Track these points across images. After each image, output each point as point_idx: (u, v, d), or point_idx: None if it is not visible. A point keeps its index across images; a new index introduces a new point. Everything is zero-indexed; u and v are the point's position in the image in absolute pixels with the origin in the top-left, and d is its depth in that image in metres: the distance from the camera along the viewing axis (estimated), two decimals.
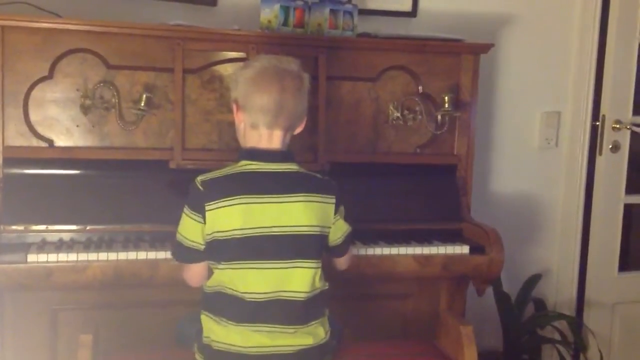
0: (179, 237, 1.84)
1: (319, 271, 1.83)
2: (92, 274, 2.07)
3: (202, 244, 1.81)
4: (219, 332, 1.78)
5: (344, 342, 2.01)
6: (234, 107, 1.87)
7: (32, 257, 2.03)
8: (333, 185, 1.88)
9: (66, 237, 2.18)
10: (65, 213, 2.19)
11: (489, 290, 2.77)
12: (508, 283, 3.02)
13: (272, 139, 1.82)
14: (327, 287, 1.87)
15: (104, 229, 2.21)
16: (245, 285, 1.76)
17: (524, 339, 2.99)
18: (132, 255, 2.10)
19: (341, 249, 1.95)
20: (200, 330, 1.85)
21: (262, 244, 1.76)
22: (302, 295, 1.79)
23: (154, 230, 2.23)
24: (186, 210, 1.80)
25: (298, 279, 1.79)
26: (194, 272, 1.88)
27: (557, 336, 3.02)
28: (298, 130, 1.88)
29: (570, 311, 3.15)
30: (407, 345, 2.20)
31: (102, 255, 2.08)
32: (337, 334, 1.95)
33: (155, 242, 2.19)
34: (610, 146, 3.08)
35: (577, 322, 3.07)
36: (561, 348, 2.97)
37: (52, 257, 2.04)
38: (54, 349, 2.25)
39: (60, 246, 2.11)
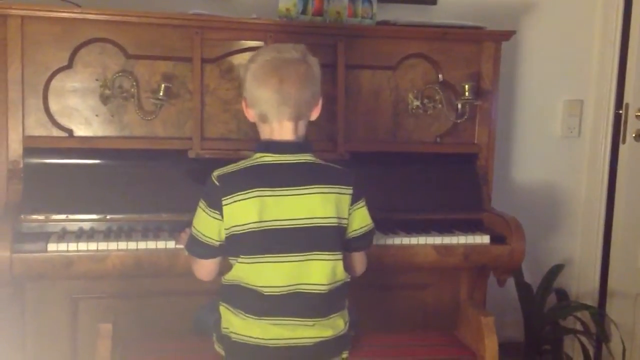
0: (194, 231, 1.83)
1: (340, 263, 1.81)
2: (112, 264, 2.07)
3: (217, 241, 1.80)
4: (237, 324, 1.78)
5: (361, 332, 2.00)
6: (244, 104, 1.86)
7: (52, 247, 2.04)
8: (350, 175, 1.84)
9: (86, 226, 2.19)
10: (85, 202, 2.20)
11: (510, 281, 2.76)
12: (529, 273, 3.00)
13: (283, 130, 1.80)
14: (348, 279, 1.86)
15: (123, 219, 2.22)
16: (262, 280, 1.75)
17: (545, 330, 2.97)
18: (151, 244, 2.10)
19: (358, 242, 1.90)
20: (218, 319, 1.86)
21: (278, 237, 1.75)
22: (323, 288, 1.78)
23: (173, 220, 2.23)
24: (203, 205, 1.79)
25: (316, 271, 1.77)
26: (204, 268, 1.87)
27: (579, 327, 3.00)
28: (313, 116, 1.85)
29: (592, 302, 3.12)
30: (427, 335, 2.19)
31: (122, 245, 2.08)
32: (354, 324, 1.94)
33: (175, 232, 2.18)
34: (634, 135, 3.03)
35: (599, 313, 3.04)
36: (583, 339, 2.94)
37: (72, 246, 2.05)
38: (74, 338, 2.27)
39: (81, 235, 2.12)
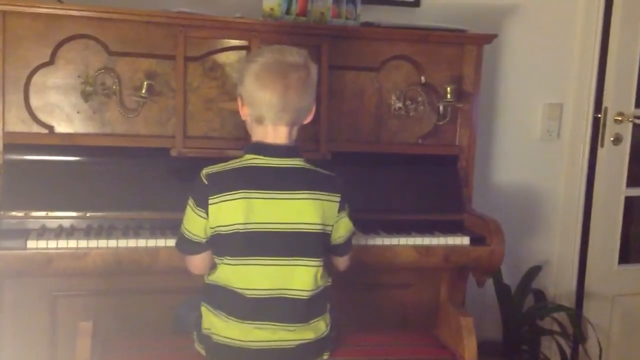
0: (182, 229, 1.84)
1: (321, 269, 1.82)
2: (92, 261, 2.06)
3: (203, 238, 1.80)
4: (219, 325, 1.78)
5: (342, 332, 2.01)
6: (239, 101, 1.85)
7: (31, 244, 2.03)
8: (339, 182, 1.85)
9: (66, 223, 2.18)
10: (66, 200, 2.18)
11: (489, 281, 2.77)
12: (508, 274, 3.02)
13: (277, 134, 1.80)
14: (329, 283, 1.87)
15: (104, 216, 2.21)
16: (245, 282, 1.75)
17: (523, 330, 3.00)
18: (132, 242, 2.10)
19: (343, 248, 1.93)
20: (199, 317, 1.85)
21: (264, 240, 1.75)
22: (305, 293, 1.78)
23: (154, 218, 2.23)
24: (191, 204, 1.79)
25: (300, 277, 1.77)
26: (196, 263, 1.89)
27: (556, 328, 3.03)
28: (307, 120, 1.86)
29: (569, 303, 3.15)
30: (407, 335, 2.20)
31: (102, 243, 2.08)
32: (335, 324, 1.94)
33: (156, 230, 2.18)
34: (612, 138, 3.07)
35: (576, 314, 3.07)
36: (560, 339, 2.97)
37: (52, 243, 2.04)
38: (54, 335, 2.25)
39: (60, 233, 2.11)
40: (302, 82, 1.77)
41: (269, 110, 1.76)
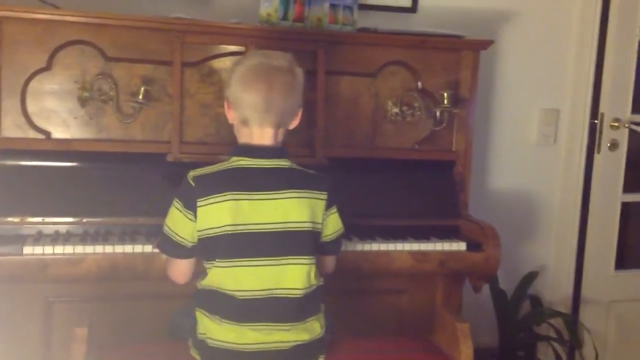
0: (167, 230, 1.83)
1: (314, 267, 1.82)
2: (88, 267, 2.06)
3: (189, 242, 1.80)
4: (213, 329, 1.78)
5: (337, 337, 2.01)
6: (226, 104, 1.87)
7: (27, 249, 2.03)
8: (326, 180, 1.87)
9: (62, 229, 2.18)
10: (62, 205, 2.18)
11: (485, 287, 2.77)
12: (504, 280, 3.02)
13: (263, 135, 1.81)
14: (322, 283, 1.87)
15: (100, 222, 2.21)
16: (236, 284, 1.75)
17: (519, 336, 3.00)
18: (128, 248, 2.10)
19: (331, 247, 1.94)
20: (194, 324, 1.85)
21: (253, 241, 1.76)
22: (298, 292, 1.79)
23: (150, 224, 2.22)
24: (178, 205, 1.79)
25: (292, 276, 1.78)
26: (179, 268, 1.87)
27: (552, 333, 3.02)
28: (293, 125, 1.87)
29: (566, 309, 3.15)
30: (402, 341, 2.20)
31: (98, 248, 2.07)
32: (330, 328, 1.95)
33: (152, 236, 2.17)
34: (609, 144, 3.08)
35: (572, 320, 3.07)
36: (557, 345, 2.97)
37: (48, 249, 2.04)
38: (48, 341, 2.25)
39: (56, 238, 2.11)
40: (286, 85, 1.79)
41: (254, 112, 1.78)
